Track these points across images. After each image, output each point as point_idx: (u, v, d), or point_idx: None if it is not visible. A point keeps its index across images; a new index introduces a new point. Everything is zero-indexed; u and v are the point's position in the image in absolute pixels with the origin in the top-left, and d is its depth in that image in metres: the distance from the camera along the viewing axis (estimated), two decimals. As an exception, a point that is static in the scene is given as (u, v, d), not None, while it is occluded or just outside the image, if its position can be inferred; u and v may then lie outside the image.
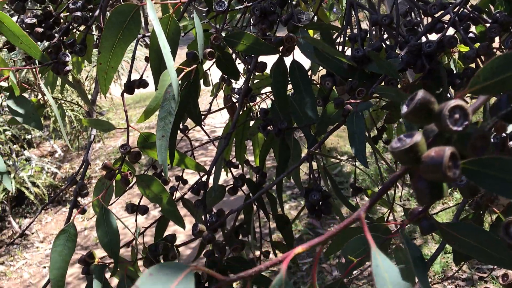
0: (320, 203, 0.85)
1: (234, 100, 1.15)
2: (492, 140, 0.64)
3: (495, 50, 0.81)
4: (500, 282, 0.55)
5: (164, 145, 0.68)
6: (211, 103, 1.26)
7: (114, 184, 0.87)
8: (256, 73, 1.16)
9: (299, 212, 1.07)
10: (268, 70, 0.89)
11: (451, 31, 0.81)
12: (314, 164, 0.91)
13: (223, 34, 0.81)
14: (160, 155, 0.68)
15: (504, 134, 0.61)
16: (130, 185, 0.88)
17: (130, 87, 0.92)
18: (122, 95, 0.95)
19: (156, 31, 0.61)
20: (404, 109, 0.32)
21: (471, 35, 0.83)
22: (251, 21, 1.06)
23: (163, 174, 1.02)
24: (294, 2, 1.24)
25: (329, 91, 0.90)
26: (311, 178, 0.96)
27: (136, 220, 0.92)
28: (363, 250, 0.55)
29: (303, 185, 0.96)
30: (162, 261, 0.78)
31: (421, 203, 0.29)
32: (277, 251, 1.13)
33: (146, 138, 0.85)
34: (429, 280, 2.33)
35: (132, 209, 0.92)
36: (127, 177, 0.80)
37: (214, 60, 0.83)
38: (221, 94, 1.48)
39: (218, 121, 4.65)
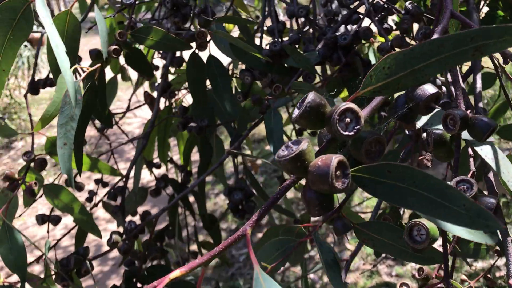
0: (243, 202, 0.82)
1: (154, 96, 1.10)
2: (407, 132, 0.64)
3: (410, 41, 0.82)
4: (416, 275, 0.55)
5: (67, 154, 0.62)
6: (130, 100, 1.20)
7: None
8: (176, 68, 1.11)
9: (226, 210, 1.05)
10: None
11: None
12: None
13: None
14: (63, 165, 0.62)
15: (418, 126, 0.61)
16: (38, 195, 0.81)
17: (34, 87, 0.85)
18: (25, 96, 0.88)
19: (47, 30, 0.55)
20: (295, 113, 0.30)
21: (386, 26, 0.83)
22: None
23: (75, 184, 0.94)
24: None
25: (249, 86, 0.87)
26: (236, 174, 0.94)
27: (48, 231, 0.85)
28: (278, 255, 0.53)
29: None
30: (74, 276, 0.72)
31: (311, 215, 0.27)
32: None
33: (54, 143, 0.79)
34: (362, 261, 2.39)
35: (43, 219, 0.85)
36: (31, 188, 0.73)
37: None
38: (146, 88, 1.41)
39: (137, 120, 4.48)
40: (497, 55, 0.70)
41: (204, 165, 0.93)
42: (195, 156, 1.03)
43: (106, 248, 0.76)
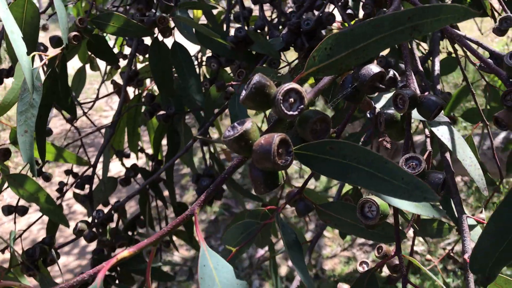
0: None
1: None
2: (368, 115, 0.65)
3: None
4: (375, 254, 0.56)
5: (28, 142, 0.62)
6: (98, 89, 1.18)
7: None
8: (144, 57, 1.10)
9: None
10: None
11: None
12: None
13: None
14: (25, 153, 0.62)
15: (377, 110, 0.62)
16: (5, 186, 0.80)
17: (-4, 77, 0.83)
18: (-14, 86, 0.86)
19: (1, 16, 0.54)
20: (242, 95, 0.30)
21: (349, 11, 0.84)
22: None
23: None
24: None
25: (216, 73, 0.87)
26: (205, 162, 0.94)
27: (15, 222, 0.84)
28: (243, 238, 0.54)
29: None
30: (40, 265, 0.72)
31: (257, 192, 0.28)
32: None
33: (18, 132, 0.77)
34: (339, 247, 2.43)
35: (9, 210, 0.84)
36: (-6, 178, 0.72)
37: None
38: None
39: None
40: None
41: (172, 153, 0.93)
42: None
43: (84, 242, 0.76)
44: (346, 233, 0.52)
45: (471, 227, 0.55)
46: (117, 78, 1.33)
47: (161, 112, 0.94)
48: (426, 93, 0.39)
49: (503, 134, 1.59)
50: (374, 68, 0.34)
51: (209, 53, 1.01)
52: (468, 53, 0.89)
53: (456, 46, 0.92)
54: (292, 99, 0.29)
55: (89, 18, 0.67)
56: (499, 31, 0.55)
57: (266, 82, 0.29)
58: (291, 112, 0.28)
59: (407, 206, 0.35)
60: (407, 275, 0.52)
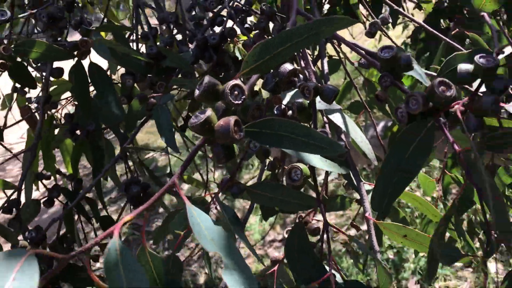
0: (141, 195, 0.89)
1: (33, 109, 1.10)
2: (275, 112, 0.78)
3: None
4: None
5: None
6: (6, 117, 1.18)
7: None
8: (53, 79, 1.13)
9: (121, 211, 1.10)
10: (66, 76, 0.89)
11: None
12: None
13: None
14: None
15: (283, 106, 0.74)
16: None
17: None
18: None
19: None
20: (196, 92, 0.40)
21: (247, 25, 0.96)
22: (37, 29, 1.03)
23: None
24: (80, 5, 1.23)
25: (131, 88, 0.94)
26: (127, 174, 1.00)
27: None
28: (187, 223, 0.63)
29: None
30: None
31: (220, 163, 0.37)
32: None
33: None
34: (253, 247, 2.56)
35: None
36: None
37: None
38: (14, 106, 1.38)
39: (13, 136, 4.20)
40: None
41: (97, 169, 0.98)
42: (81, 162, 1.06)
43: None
44: (272, 206, 0.63)
45: (368, 192, 0.69)
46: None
47: (77, 132, 0.98)
48: (324, 84, 0.52)
49: (382, 123, 1.83)
50: (288, 66, 0.45)
51: (121, 70, 1.07)
52: (348, 55, 1.06)
53: (336, 50, 1.09)
54: (236, 92, 0.39)
55: (12, 46, 0.71)
56: (370, 34, 0.70)
57: (214, 81, 0.39)
58: (237, 101, 0.39)
59: (321, 165, 0.46)
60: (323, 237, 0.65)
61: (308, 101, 0.54)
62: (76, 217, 1.11)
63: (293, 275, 0.53)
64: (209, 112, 0.37)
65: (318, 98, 0.53)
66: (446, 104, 0.43)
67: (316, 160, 0.45)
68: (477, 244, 1.84)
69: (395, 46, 0.49)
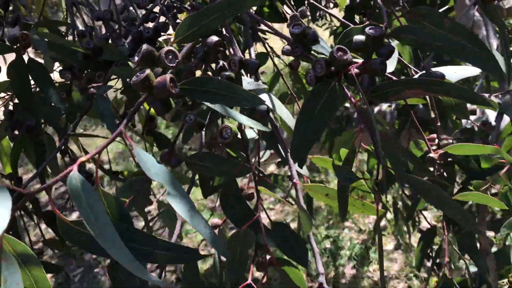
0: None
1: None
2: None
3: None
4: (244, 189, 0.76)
5: None
6: None
7: None
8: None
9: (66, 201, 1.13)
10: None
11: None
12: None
13: None
14: None
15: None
16: None
17: None
18: None
19: None
20: (136, 58, 0.47)
21: (178, 21, 1.04)
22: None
23: None
24: (11, 8, 1.25)
25: (70, 83, 0.98)
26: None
27: None
28: (131, 193, 0.69)
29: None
30: None
31: (160, 115, 0.45)
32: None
33: None
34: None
35: None
36: None
37: None
38: None
39: None
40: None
41: (40, 163, 1.00)
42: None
43: None
44: (210, 175, 0.71)
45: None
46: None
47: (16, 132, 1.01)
48: (248, 58, 0.60)
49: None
50: (214, 38, 0.53)
51: (57, 69, 1.11)
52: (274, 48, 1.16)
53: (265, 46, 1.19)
54: (170, 56, 0.47)
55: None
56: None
57: (151, 49, 0.47)
58: (171, 64, 0.46)
59: (248, 123, 0.55)
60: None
61: (234, 74, 0.62)
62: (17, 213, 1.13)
63: (230, 221, 0.61)
64: (148, 71, 0.44)
65: (247, 80, 0.62)
66: (344, 66, 0.53)
67: (243, 119, 0.54)
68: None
69: (304, 24, 0.59)
